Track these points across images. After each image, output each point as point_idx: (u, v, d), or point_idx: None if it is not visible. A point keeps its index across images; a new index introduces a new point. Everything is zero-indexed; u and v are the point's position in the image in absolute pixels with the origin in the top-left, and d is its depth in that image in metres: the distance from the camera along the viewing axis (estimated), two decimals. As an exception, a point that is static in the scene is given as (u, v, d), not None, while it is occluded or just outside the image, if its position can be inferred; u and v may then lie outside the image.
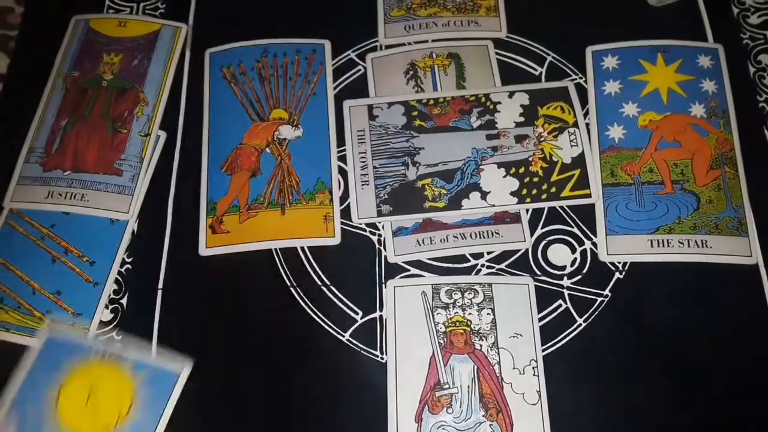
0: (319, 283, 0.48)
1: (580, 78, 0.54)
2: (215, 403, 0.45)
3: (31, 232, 0.49)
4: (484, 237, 0.48)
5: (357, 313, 0.47)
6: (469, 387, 0.44)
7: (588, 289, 0.47)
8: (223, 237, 0.49)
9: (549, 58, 0.55)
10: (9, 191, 0.50)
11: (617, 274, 0.48)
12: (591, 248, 0.48)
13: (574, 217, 0.49)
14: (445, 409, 0.43)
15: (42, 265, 0.47)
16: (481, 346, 0.45)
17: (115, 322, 0.46)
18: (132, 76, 0.54)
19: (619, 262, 0.48)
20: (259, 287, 0.48)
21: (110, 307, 0.47)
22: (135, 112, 0.52)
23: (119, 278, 0.48)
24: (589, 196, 0.49)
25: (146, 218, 0.50)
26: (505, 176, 0.49)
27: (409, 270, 0.48)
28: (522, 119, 0.51)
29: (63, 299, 0.46)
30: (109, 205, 0.49)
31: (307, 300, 0.47)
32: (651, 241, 0.48)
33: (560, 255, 0.48)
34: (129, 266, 0.48)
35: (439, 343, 0.45)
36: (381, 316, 0.46)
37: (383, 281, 0.47)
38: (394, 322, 0.46)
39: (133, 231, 0.49)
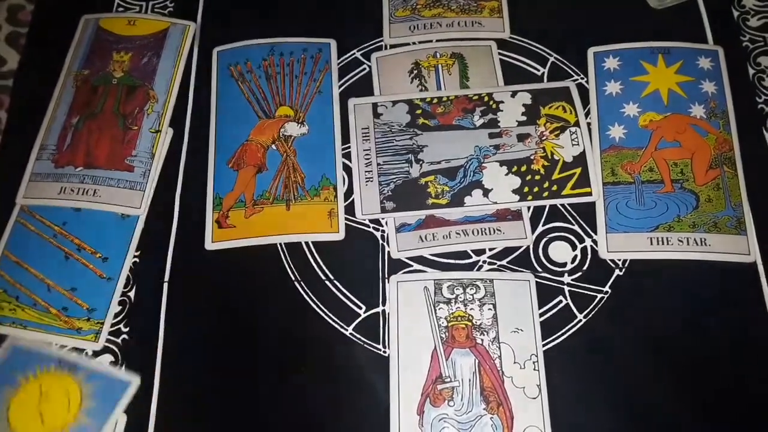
0: (323, 277, 0.48)
1: (582, 78, 0.55)
2: (218, 394, 0.45)
3: (44, 230, 0.50)
4: (486, 234, 0.49)
5: (360, 308, 0.47)
6: (470, 380, 0.44)
7: (588, 286, 0.48)
8: (228, 232, 0.49)
9: (551, 59, 0.56)
10: (21, 188, 0.51)
11: (617, 271, 0.48)
12: (591, 245, 0.49)
13: (575, 215, 0.50)
14: (446, 402, 0.44)
15: (55, 262, 0.48)
16: (482, 340, 0.45)
17: (122, 315, 0.47)
18: (142, 74, 0.55)
19: (619, 260, 0.48)
20: (264, 281, 0.49)
21: (119, 299, 0.48)
22: (145, 109, 0.53)
23: (128, 273, 0.49)
24: (589, 194, 0.49)
25: (153, 213, 0.50)
26: (507, 174, 0.50)
27: (411, 265, 0.49)
28: (524, 118, 0.52)
29: (78, 295, 0.47)
30: (121, 201, 0.50)
31: (311, 294, 0.48)
32: (651, 238, 0.48)
33: (561, 252, 0.49)
34: (137, 260, 0.49)
35: (440, 337, 0.46)
36: (384, 311, 0.47)
37: (386, 276, 0.48)
38: (396, 317, 0.46)
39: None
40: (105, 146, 0.52)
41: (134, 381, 0.43)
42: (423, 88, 0.54)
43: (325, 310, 0.47)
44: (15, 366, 0.44)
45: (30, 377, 0.43)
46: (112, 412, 0.42)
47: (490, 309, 0.46)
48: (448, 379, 0.44)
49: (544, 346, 0.45)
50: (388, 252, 0.49)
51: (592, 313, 0.47)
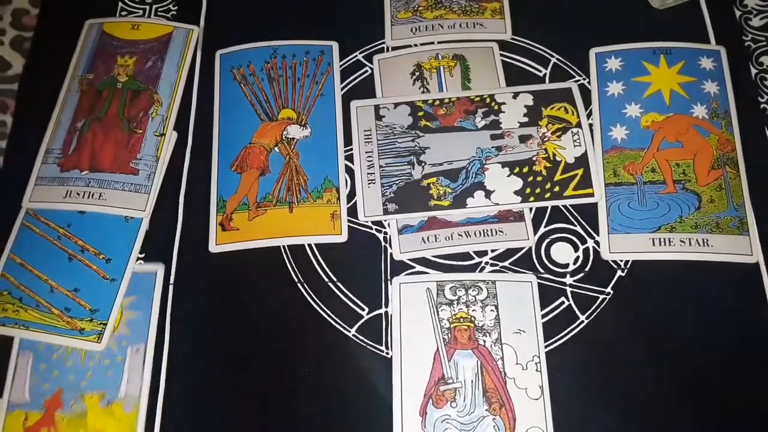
0: (326, 279, 0.49)
1: (584, 79, 0.55)
2: (222, 395, 0.46)
3: (48, 232, 0.50)
4: (488, 235, 0.49)
5: (363, 309, 0.48)
6: (472, 382, 0.44)
7: (590, 287, 0.48)
8: (232, 234, 0.50)
9: (553, 60, 0.56)
10: (27, 192, 0.51)
11: (619, 272, 0.48)
12: (593, 247, 0.49)
13: (577, 216, 0.50)
14: (449, 403, 0.44)
15: (59, 263, 0.49)
16: (484, 341, 0.46)
17: (128, 317, 0.48)
18: (146, 78, 0.55)
19: (621, 261, 0.48)
20: (268, 283, 0.49)
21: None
22: (150, 113, 0.54)
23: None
24: (591, 195, 0.50)
25: (157, 215, 0.51)
26: (509, 175, 0.50)
27: (414, 267, 0.49)
28: (526, 119, 0.52)
29: (80, 296, 0.48)
30: (126, 204, 0.50)
31: (314, 296, 0.48)
32: (653, 239, 0.48)
33: (563, 253, 0.49)
34: (141, 262, 0.49)
35: (443, 338, 0.46)
36: (386, 312, 0.47)
37: (389, 278, 0.48)
38: (399, 318, 0.46)
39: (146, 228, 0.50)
40: (110, 150, 0.52)
41: (159, 268, 0.49)
42: (425, 90, 0.54)
43: (328, 312, 0.48)
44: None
45: None
46: (152, 299, 0.48)
47: (492, 310, 0.46)
48: (451, 381, 0.44)
49: (546, 347, 0.45)
50: (391, 254, 0.49)
51: (595, 314, 0.47)
